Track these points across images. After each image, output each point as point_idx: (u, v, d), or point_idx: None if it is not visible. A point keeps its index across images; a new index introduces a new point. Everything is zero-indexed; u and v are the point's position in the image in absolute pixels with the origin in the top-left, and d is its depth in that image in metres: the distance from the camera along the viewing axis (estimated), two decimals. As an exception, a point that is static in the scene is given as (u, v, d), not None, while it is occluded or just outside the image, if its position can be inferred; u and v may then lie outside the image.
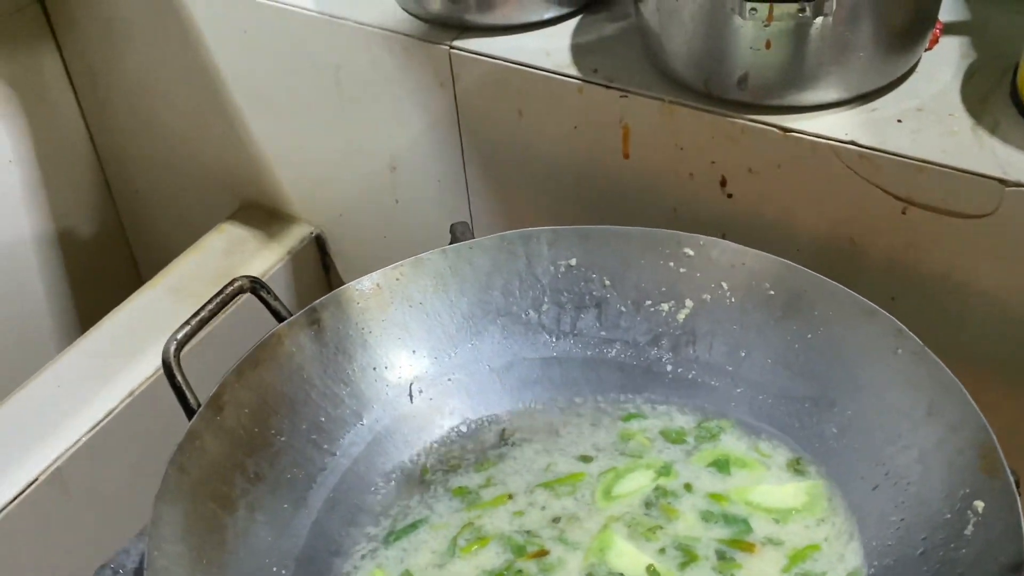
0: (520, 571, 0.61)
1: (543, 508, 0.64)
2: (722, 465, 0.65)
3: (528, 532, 0.63)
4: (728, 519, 0.62)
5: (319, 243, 1.06)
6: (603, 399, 0.70)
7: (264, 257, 1.03)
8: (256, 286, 0.66)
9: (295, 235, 1.05)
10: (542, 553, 0.62)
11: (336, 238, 1.06)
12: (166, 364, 0.62)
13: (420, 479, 0.67)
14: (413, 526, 0.64)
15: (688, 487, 0.64)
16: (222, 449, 0.62)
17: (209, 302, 0.64)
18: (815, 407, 0.66)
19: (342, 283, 1.09)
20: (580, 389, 0.71)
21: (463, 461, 0.68)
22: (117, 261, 1.23)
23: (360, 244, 1.04)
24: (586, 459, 0.67)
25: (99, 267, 1.20)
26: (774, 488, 0.63)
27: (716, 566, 0.60)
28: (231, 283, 0.65)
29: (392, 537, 0.64)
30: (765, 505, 0.62)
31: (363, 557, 0.63)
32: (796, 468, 0.64)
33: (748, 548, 0.61)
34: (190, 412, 0.62)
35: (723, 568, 0.60)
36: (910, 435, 0.60)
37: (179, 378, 0.62)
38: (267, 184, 1.06)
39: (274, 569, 0.61)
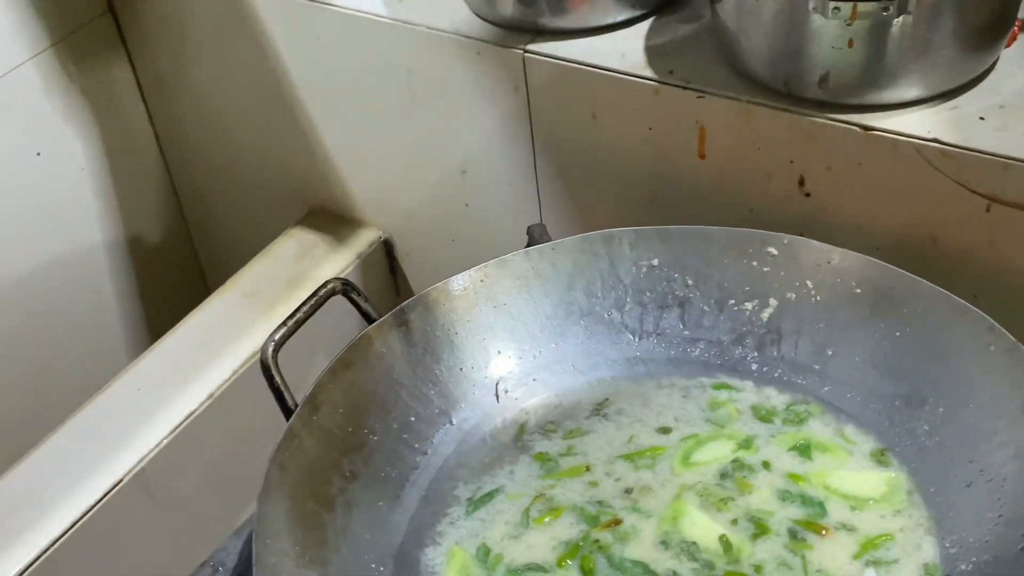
0: (597, 541, 0.62)
1: (617, 480, 0.65)
2: (804, 449, 0.65)
3: (600, 503, 0.64)
4: (804, 500, 0.63)
5: (387, 247, 1.07)
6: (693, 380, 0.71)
7: (334, 261, 1.04)
8: (348, 288, 0.67)
9: (364, 239, 1.06)
10: (616, 522, 0.63)
11: (404, 242, 1.07)
12: (264, 364, 0.63)
13: (515, 440, 0.68)
14: (490, 495, 0.66)
15: (766, 464, 0.65)
16: (319, 448, 0.63)
17: (304, 304, 0.65)
18: (905, 405, 0.66)
19: (409, 287, 1.10)
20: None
21: (558, 427, 0.69)
22: (184, 267, 1.24)
23: (428, 248, 1.05)
24: (666, 430, 0.68)
25: (166, 273, 1.22)
26: (854, 475, 0.64)
27: (787, 544, 0.61)
28: (324, 285, 0.66)
29: (471, 508, 0.65)
30: (842, 490, 0.63)
31: (446, 533, 0.64)
32: (880, 459, 0.65)
33: (821, 530, 0.62)
34: (287, 412, 0.63)
35: (794, 547, 0.61)
36: (1006, 432, 0.60)
37: (277, 378, 0.63)
38: (335, 189, 1.07)
39: (372, 566, 0.61)
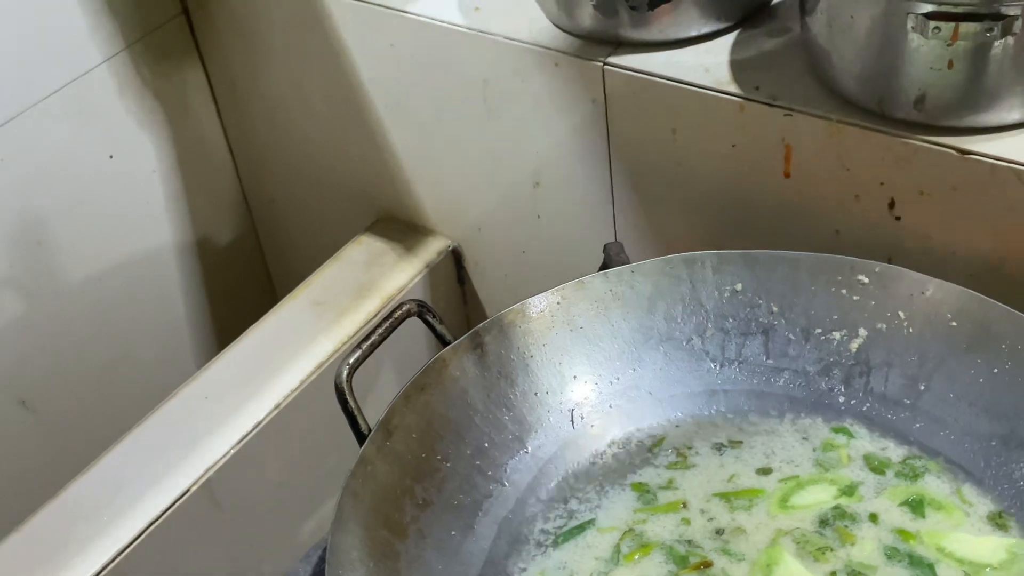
0: None
1: (710, 519, 0.63)
2: (916, 505, 0.62)
3: (689, 542, 0.62)
4: (913, 560, 0.60)
5: (456, 257, 1.05)
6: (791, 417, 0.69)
7: (403, 270, 1.03)
8: (423, 310, 0.66)
9: (433, 249, 1.05)
10: (706, 564, 0.61)
11: (473, 252, 1.05)
12: (339, 389, 0.62)
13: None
14: (581, 528, 0.64)
15: (873, 517, 0.62)
16: (392, 474, 0.62)
17: (379, 326, 0.64)
18: (1003, 446, 0.63)
19: (478, 298, 1.09)
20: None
21: (654, 457, 0.67)
22: (252, 271, 1.24)
23: (498, 259, 1.04)
24: (767, 471, 0.65)
25: (234, 276, 1.22)
26: (971, 538, 0.60)
27: None
28: (400, 306, 0.65)
29: (560, 539, 0.63)
30: (958, 555, 0.59)
31: (533, 563, 0.63)
32: (998, 521, 0.61)
33: (930, 596, 0.58)
34: (361, 437, 0.62)
35: None
36: (1113, 480, 0.57)
37: (351, 403, 0.62)
38: (405, 197, 1.06)
39: (445, 598, 0.60)
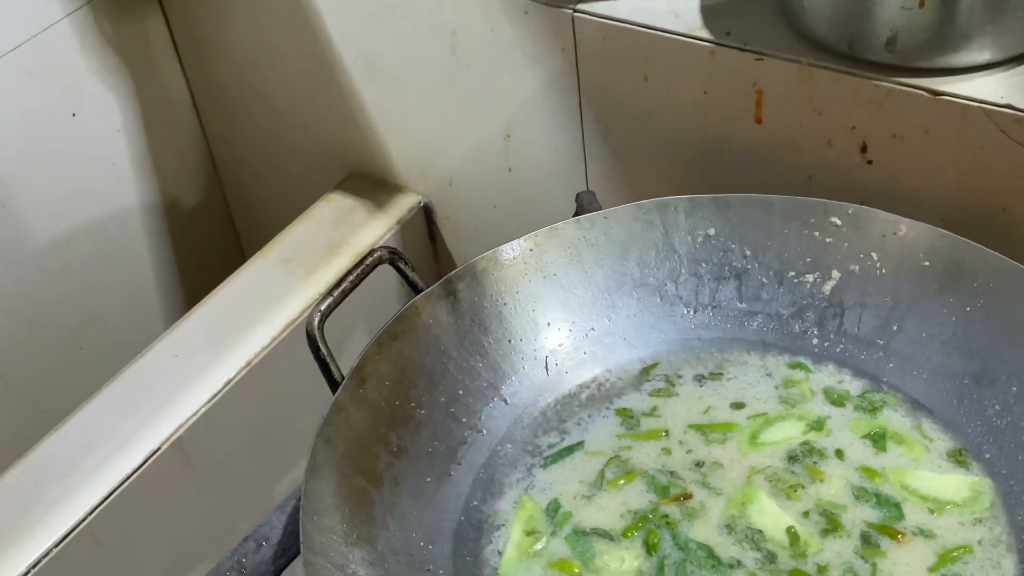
0: (665, 515, 0.61)
1: (689, 451, 0.64)
2: (878, 439, 0.63)
3: (671, 473, 0.63)
4: (881, 500, 0.60)
5: (427, 213, 1.05)
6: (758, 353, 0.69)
7: (373, 227, 1.02)
8: (395, 257, 0.65)
9: (403, 205, 1.04)
10: (686, 496, 0.62)
11: (444, 207, 1.04)
12: (310, 336, 0.61)
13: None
14: (569, 450, 0.65)
15: (840, 454, 0.63)
16: (366, 422, 0.61)
17: (349, 273, 0.63)
18: (976, 384, 0.63)
19: (449, 254, 1.08)
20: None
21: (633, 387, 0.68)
22: (219, 230, 1.23)
23: (469, 214, 1.03)
24: (739, 406, 0.66)
25: (201, 236, 1.21)
26: (935, 476, 0.60)
27: (859, 548, 0.58)
28: (371, 253, 0.64)
29: (549, 460, 0.64)
30: (922, 492, 0.60)
31: (518, 483, 0.63)
32: (959, 459, 0.61)
33: (897, 535, 0.59)
34: (334, 384, 0.61)
35: (866, 553, 0.58)
36: (1086, 413, 0.58)
37: (323, 350, 0.61)
38: (375, 153, 1.04)
39: (421, 544, 0.60)
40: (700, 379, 0.68)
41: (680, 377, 0.68)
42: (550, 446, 0.66)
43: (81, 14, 1.02)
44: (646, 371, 0.69)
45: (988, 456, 0.61)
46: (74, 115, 1.04)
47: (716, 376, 0.67)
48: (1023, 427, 0.60)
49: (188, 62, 1.12)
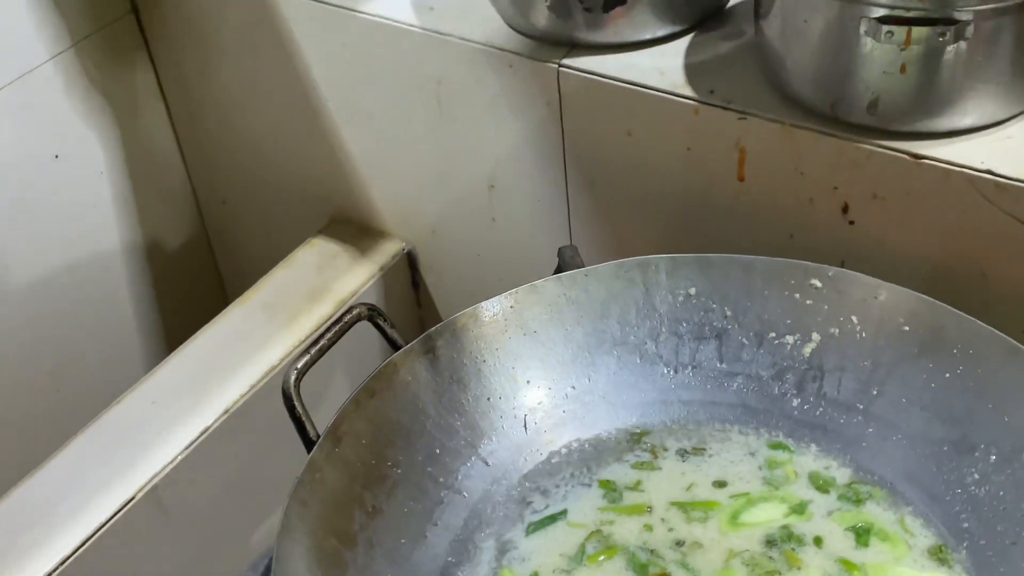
0: None
1: (671, 529, 0.63)
2: (861, 533, 0.62)
3: (652, 551, 0.62)
4: None
5: (410, 260, 1.04)
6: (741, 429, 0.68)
7: (356, 273, 1.02)
8: (373, 314, 0.64)
9: (386, 251, 1.04)
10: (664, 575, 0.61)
11: (427, 255, 1.04)
12: (286, 395, 0.60)
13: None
14: (552, 519, 0.64)
15: (818, 541, 0.62)
16: (341, 482, 0.61)
17: (328, 330, 0.63)
18: (955, 451, 0.63)
19: (432, 302, 1.08)
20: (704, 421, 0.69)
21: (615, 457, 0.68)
22: (202, 274, 1.22)
23: (452, 262, 1.03)
24: (721, 484, 0.65)
25: (184, 280, 1.20)
26: (914, 574, 0.60)
27: None
28: (349, 310, 0.64)
29: (531, 528, 0.64)
30: None
31: (495, 548, 0.63)
32: (940, 556, 0.61)
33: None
34: (309, 444, 0.61)
35: None
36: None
37: (299, 408, 0.60)
38: (359, 199, 1.04)
39: (395, 608, 0.59)
40: (683, 454, 0.67)
41: (665, 450, 0.67)
42: (534, 511, 0.65)
43: (67, 56, 1.01)
44: (636, 438, 0.68)
45: (966, 525, 0.61)
46: (57, 157, 1.03)
47: (699, 451, 0.67)
48: (1002, 496, 0.60)
49: (174, 105, 1.12)
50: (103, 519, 0.82)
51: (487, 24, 0.86)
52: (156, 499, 0.85)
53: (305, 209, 1.09)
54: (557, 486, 0.66)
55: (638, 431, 0.69)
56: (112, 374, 1.12)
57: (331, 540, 0.58)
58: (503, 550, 0.63)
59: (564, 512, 0.65)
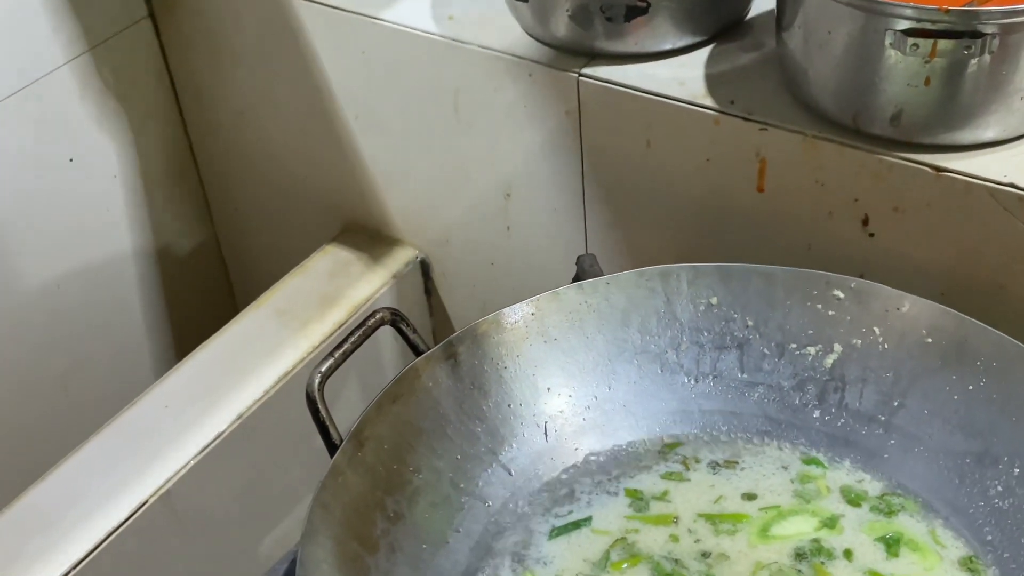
0: None
1: (697, 540, 0.63)
2: (891, 544, 0.62)
3: (677, 561, 0.62)
4: None
5: (423, 268, 1.04)
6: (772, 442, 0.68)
7: (369, 281, 1.02)
8: (396, 318, 0.64)
9: (400, 259, 1.04)
10: None
11: (441, 264, 1.04)
12: (310, 398, 0.60)
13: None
14: (576, 524, 0.64)
15: (848, 554, 0.62)
16: (363, 486, 0.60)
17: (351, 334, 0.63)
18: (977, 464, 0.63)
19: (444, 310, 1.07)
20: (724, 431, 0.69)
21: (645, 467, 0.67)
22: (212, 281, 1.22)
23: (466, 271, 1.03)
24: (751, 496, 0.65)
25: (194, 285, 1.20)
26: None
27: None
28: (373, 315, 0.64)
29: (555, 532, 0.64)
30: None
31: (517, 553, 0.63)
32: (970, 567, 0.60)
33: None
34: (332, 447, 0.60)
35: None
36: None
37: (323, 412, 0.60)
38: (372, 206, 1.04)
39: (416, 613, 0.59)
40: (715, 466, 0.67)
41: (698, 461, 0.67)
42: (557, 516, 0.65)
43: (82, 60, 1.02)
44: (669, 448, 0.68)
45: (990, 538, 0.61)
46: (71, 160, 1.03)
47: (731, 464, 0.67)
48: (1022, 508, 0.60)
49: (188, 110, 1.12)
50: (115, 524, 0.82)
51: (507, 33, 0.86)
52: (169, 504, 0.85)
53: (318, 216, 1.09)
54: (583, 493, 0.66)
55: (671, 441, 0.69)
56: (122, 378, 1.12)
57: (353, 544, 0.58)
58: (525, 554, 0.63)
59: (589, 519, 0.64)
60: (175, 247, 1.16)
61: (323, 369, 0.61)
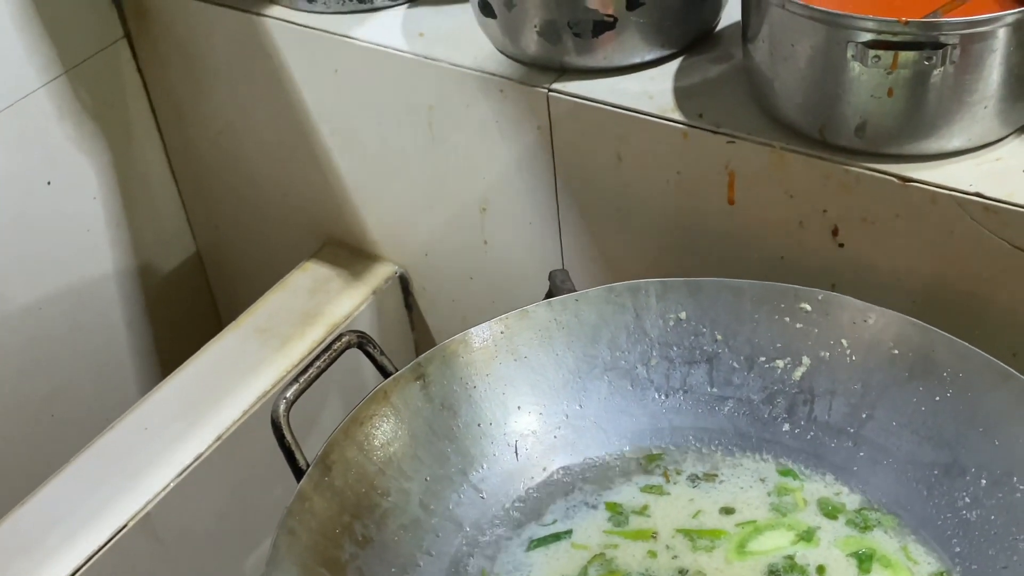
0: None
1: (675, 556, 0.63)
2: (864, 560, 0.62)
3: None
4: None
5: (403, 283, 1.04)
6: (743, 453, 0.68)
7: (349, 296, 1.02)
8: (363, 341, 0.64)
9: (379, 274, 1.04)
10: None
11: (420, 278, 1.04)
12: (275, 424, 0.60)
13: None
14: (556, 537, 0.64)
15: (821, 570, 0.62)
16: (330, 511, 0.60)
17: (317, 358, 0.63)
18: (945, 475, 0.63)
19: (425, 324, 1.08)
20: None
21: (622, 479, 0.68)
22: (196, 298, 1.22)
23: (445, 285, 1.03)
24: (729, 511, 0.65)
25: (178, 304, 1.20)
26: None
27: None
28: (339, 338, 0.64)
29: (535, 544, 0.64)
30: None
31: (490, 572, 0.63)
32: None
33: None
34: (298, 472, 0.60)
35: None
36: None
37: (289, 437, 0.60)
38: (351, 223, 1.04)
39: (385, 638, 0.59)
40: (694, 479, 0.67)
41: (679, 473, 0.67)
42: (542, 525, 0.65)
43: (59, 83, 1.02)
44: (650, 460, 0.68)
45: (958, 550, 0.61)
46: (49, 183, 1.04)
47: (711, 477, 0.67)
48: (993, 520, 0.60)
49: (167, 130, 1.12)
50: (95, 547, 0.82)
51: (478, 50, 0.86)
52: (149, 526, 0.85)
53: (298, 233, 1.09)
54: (564, 506, 0.66)
55: (654, 452, 0.69)
56: (106, 399, 1.12)
57: (320, 570, 0.58)
58: (499, 571, 0.63)
59: (569, 532, 0.65)
60: (157, 266, 1.17)
61: (288, 395, 0.61)
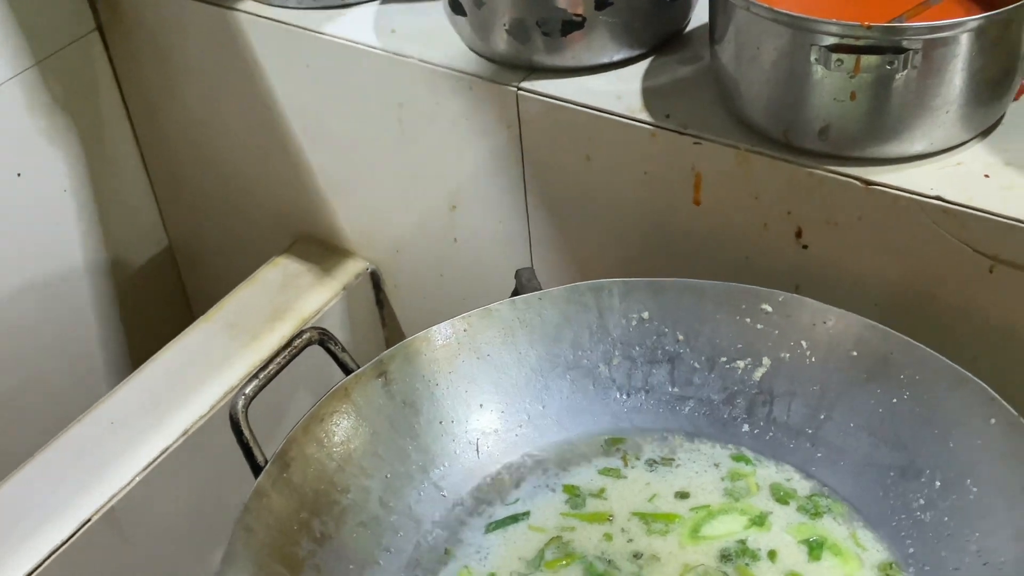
0: None
1: (630, 540, 0.63)
2: (814, 547, 0.62)
3: (610, 561, 0.63)
4: None
5: (374, 279, 1.04)
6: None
7: (319, 292, 1.02)
8: (324, 338, 0.64)
9: (350, 270, 1.04)
10: None
11: (391, 275, 1.04)
12: (234, 420, 0.60)
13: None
14: (515, 518, 0.65)
15: (772, 555, 0.62)
16: (288, 508, 0.60)
17: (277, 355, 0.63)
18: (901, 477, 0.63)
19: (396, 320, 1.08)
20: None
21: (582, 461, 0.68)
22: (167, 292, 1.22)
23: (416, 281, 1.03)
24: (684, 495, 0.66)
25: (149, 298, 1.20)
26: None
27: None
28: (299, 335, 0.64)
29: (492, 526, 0.64)
30: None
31: (448, 568, 0.63)
32: (889, 572, 0.61)
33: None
34: (256, 469, 0.60)
35: None
36: (1005, 512, 0.58)
37: (247, 433, 0.60)
38: (323, 219, 1.04)
39: (341, 635, 0.59)
40: (652, 463, 0.67)
41: (637, 458, 0.68)
42: (504, 504, 0.65)
43: (30, 74, 1.01)
44: (611, 443, 0.69)
45: (912, 550, 0.61)
46: (19, 175, 1.03)
47: (667, 462, 0.67)
48: (946, 522, 0.61)
49: (139, 123, 1.12)
50: (59, 541, 0.82)
51: (448, 47, 0.86)
52: (114, 521, 0.84)
53: (270, 228, 1.09)
54: (524, 486, 0.67)
55: (615, 437, 0.69)
56: (76, 392, 1.11)
57: (277, 567, 0.58)
58: (459, 552, 0.63)
59: (527, 513, 0.65)
60: (129, 259, 1.16)
61: (247, 391, 0.61)
